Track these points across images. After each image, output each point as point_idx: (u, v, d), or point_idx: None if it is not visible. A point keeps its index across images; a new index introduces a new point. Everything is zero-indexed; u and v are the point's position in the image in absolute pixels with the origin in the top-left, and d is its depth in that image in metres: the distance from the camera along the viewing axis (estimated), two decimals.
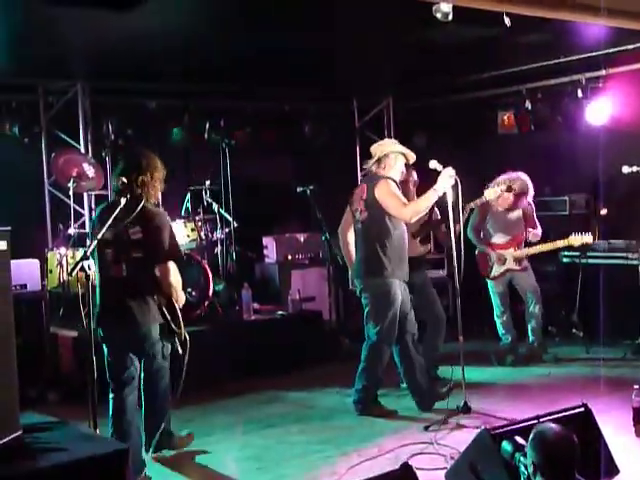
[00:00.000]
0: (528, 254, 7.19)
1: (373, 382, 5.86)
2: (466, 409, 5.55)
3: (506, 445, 3.25)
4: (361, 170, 9.98)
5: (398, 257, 5.70)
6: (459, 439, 4.92)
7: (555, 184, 8.43)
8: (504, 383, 6.60)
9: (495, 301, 7.29)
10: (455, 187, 5.56)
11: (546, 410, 4.06)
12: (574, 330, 7.70)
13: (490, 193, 6.45)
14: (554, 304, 7.96)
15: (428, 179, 5.82)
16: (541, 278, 7.57)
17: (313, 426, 5.67)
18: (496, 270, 7.21)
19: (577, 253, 7.77)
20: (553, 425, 3.18)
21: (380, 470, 3.84)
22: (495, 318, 7.31)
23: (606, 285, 7.47)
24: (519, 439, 3.21)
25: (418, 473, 3.46)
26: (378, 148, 5.88)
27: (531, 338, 7.31)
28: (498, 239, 7.24)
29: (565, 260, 7.99)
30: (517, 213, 7.23)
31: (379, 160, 5.79)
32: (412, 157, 5.87)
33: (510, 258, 7.17)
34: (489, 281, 7.28)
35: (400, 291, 5.72)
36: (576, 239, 6.98)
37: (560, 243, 7.08)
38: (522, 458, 3.16)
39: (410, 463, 3.51)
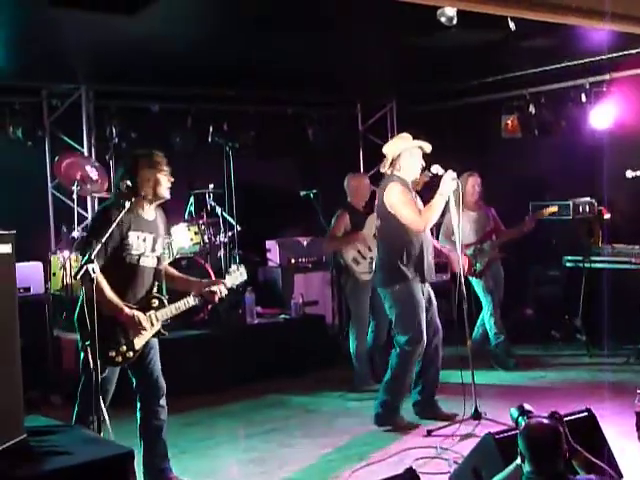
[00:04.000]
0: (507, 239, 7.22)
1: (399, 393, 5.60)
2: (477, 415, 5.41)
3: (513, 411, 3.41)
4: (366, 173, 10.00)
5: (420, 262, 5.52)
6: (463, 444, 4.92)
7: (559, 188, 8.41)
8: (504, 387, 6.58)
9: (486, 299, 7.14)
10: (457, 191, 5.44)
11: None
12: (577, 335, 7.68)
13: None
14: (557, 308, 7.95)
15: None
16: (544, 282, 7.53)
17: (316, 430, 5.66)
18: (480, 263, 7.12)
19: (580, 257, 7.76)
20: (540, 418, 3.26)
21: (383, 474, 3.84)
22: (488, 318, 7.15)
23: (610, 290, 7.47)
24: (526, 405, 3.37)
25: (422, 478, 3.45)
26: (390, 148, 5.62)
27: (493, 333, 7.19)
28: (470, 239, 7.16)
29: (569, 264, 7.97)
30: (483, 212, 7.27)
31: (393, 161, 5.56)
32: (427, 148, 5.57)
33: (488, 248, 7.16)
34: (477, 281, 7.16)
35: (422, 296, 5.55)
36: (543, 212, 7.31)
37: (528, 221, 7.20)
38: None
39: (414, 467, 3.51)
